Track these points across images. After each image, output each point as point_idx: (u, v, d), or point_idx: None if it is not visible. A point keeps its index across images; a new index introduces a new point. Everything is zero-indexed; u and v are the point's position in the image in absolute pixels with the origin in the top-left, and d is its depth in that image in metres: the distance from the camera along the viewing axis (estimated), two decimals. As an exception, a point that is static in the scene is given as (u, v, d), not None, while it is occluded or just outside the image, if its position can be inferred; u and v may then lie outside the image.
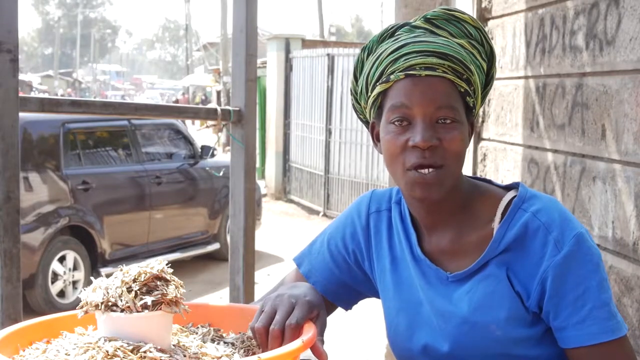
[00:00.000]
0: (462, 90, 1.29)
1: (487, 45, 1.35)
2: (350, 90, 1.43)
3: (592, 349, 1.25)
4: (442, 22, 1.33)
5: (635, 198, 2.10)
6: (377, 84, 1.31)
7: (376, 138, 1.38)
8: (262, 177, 13.89)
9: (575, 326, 1.25)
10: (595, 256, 1.27)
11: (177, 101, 35.48)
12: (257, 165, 11.01)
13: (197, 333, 1.25)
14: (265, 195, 10.58)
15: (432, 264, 1.38)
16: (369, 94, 1.34)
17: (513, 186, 1.38)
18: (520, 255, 1.29)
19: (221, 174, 7.39)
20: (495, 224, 1.32)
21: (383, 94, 1.31)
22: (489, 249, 1.31)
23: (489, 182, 1.42)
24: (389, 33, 1.35)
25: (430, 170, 1.26)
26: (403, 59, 1.27)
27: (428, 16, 1.34)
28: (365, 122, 1.44)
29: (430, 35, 1.31)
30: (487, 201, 1.36)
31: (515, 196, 1.34)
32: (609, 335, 1.24)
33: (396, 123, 1.28)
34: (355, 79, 1.39)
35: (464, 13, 1.34)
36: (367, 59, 1.36)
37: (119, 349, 1.05)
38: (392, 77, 1.28)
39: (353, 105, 1.45)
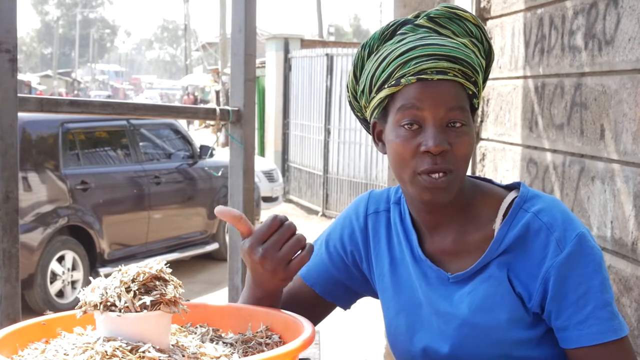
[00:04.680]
0: (470, 92, 1.29)
1: (485, 43, 1.34)
2: (348, 88, 1.42)
3: (593, 349, 1.24)
4: (446, 21, 1.32)
5: (634, 198, 2.10)
6: (385, 86, 1.29)
7: (377, 138, 1.38)
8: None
9: (577, 326, 1.25)
10: (597, 256, 1.27)
11: (193, 98, 34.93)
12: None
13: (195, 333, 1.25)
14: (276, 198, 10.58)
15: (433, 265, 1.37)
16: (373, 94, 1.32)
17: (514, 186, 1.38)
18: (521, 256, 1.29)
19: (220, 174, 7.39)
20: (497, 225, 1.32)
21: (390, 96, 1.30)
22: (490, 249, 1.31)
23: (490, 181, 1.42)
24: (390, 31, 1.34)
25: (441, 175, 1.26)
26: (413, 62, 1.26)
27: (431, 15, 1.32)
28: (363, 120, 1.44)
29: (435, 35, 1.30)
30: (489, 201, 1.36)
31: (517, 196, 1.34)
32: (610, 335, 1.24)
33: (406, 127, 1.27)
34: (355, 77, 1.37)
35: (465, 11, 1.33)
36: (368, 58, 1.34)
37: (117, 349, 1.05)
38: (402, 80, 1.27)
39: (350, 102, 1.43)
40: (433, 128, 1.25)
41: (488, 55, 1.36)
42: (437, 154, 1.25)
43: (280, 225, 1.28)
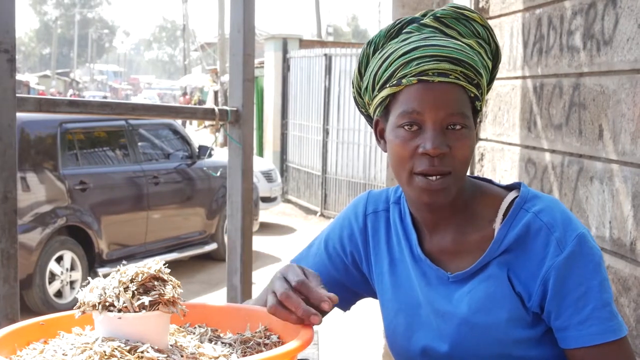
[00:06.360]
0: (472, 95, 1.28)
1: (493, 43, 1.34)
2: (352, 84, 1.41)
3: (592, 350, 1.25)
4: (452, 21, 1.31)
5: (632, 198, 2.10)
6: (387, 86, 1.29)
7: (379, 135, 1.38)
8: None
9: (576, 326, 1.25)
10: (597, 256, 1.28)
11: (187, 98, 34.65)
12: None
13: (194, 333, 1.25)
14: (275, 198, 10.59)
15: (432, 264, 1.37)
16: (376, 93, 1.32)
17: (514, 186, 1.38)
18: (521, 256, 1.29)
19: (219, 174, 7.39)
20: (497, 224, 1.32)
21: (392, 95, 1.30)
22: (490, 249, 1.31)
23: (490, 181, 1.42)
24: (396, 29, 1.33)
25: (437, 177, 1.26)
26: (415, 63, 1.26)
27: (438, 14, 1.32)
28: (367, 116, 1.44)
29: (440, 36, 1.30)
30: (489, 201, 1.36)
31: (517, 196, 1.34)
32: (610, 335, 1.24)
33: (406, 127, 1.27)
34: (360, 74, 1.37)
35: (472, 11, 1.33)
36: (372, 55, 1.34)
37: (116, 349, 1.05)
38: (403, 81, 1.26)
39: (355, 98, 1.43)
40: (432, 130, 1.25)
41: (495, 56, 1.36)
42: (435, 156, 1.25)
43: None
